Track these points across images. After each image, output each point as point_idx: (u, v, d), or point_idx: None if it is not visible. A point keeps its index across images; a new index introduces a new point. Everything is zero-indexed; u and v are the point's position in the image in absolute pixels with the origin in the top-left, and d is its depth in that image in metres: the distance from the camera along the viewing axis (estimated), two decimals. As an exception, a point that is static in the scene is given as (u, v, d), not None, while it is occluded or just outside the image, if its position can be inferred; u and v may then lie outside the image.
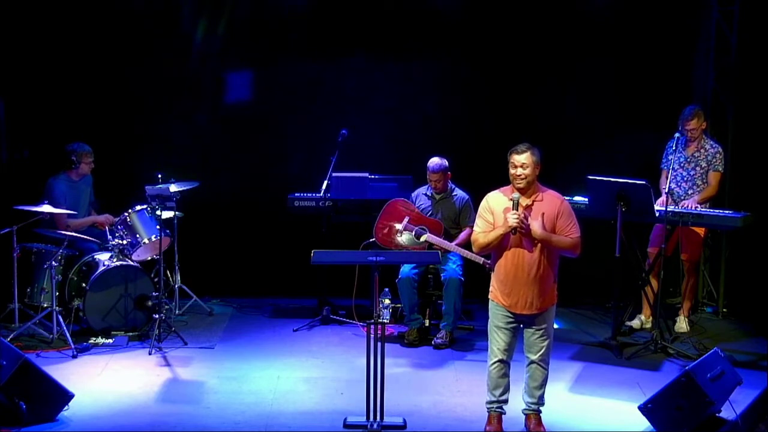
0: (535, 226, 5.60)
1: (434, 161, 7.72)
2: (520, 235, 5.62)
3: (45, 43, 8.41)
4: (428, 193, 7.85)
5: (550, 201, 5.69)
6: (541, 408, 5.93)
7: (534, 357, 5.87)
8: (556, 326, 8.21)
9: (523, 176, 5.63)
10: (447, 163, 7.78)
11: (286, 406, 6.24)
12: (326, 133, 8.23)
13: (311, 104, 8.85)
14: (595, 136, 8.62)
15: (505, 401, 5.94)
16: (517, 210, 5.59)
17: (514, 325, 5.84)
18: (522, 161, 5.63)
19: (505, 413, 5.95)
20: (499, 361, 5.87)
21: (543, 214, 5.64)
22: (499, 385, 5.90)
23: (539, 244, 5.63)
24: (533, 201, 5.69)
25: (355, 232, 8.02)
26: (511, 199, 5.65)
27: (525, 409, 5.95)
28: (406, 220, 7.64)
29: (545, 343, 5.87)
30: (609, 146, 8.47)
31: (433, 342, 7.51)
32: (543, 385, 5.90)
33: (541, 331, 5.84)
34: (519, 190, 5.67)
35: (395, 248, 7.58)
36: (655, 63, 8.67)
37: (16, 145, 8.48)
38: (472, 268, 7.72)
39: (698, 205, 7.57)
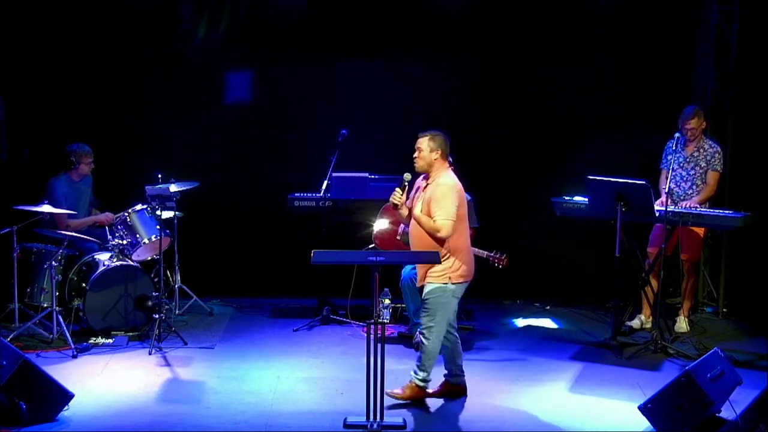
0: (417, 208, 6.12)
1: None
2: (408, 211, 6.20)
3: (45, 42, 8.42)
4: None
5: (434, 185, 6.10)
6: (412, 376, 6.21)
7: (420, 326, 6.27)
8: (555, 326, 8.28)
9: (416, 158, 6.19)
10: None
11: (286, 406, 6.24)
12: (326, 133, 8.23)
13: (311, 104, 8.84)
14: (595, 136, 8.61)
15: (454, 368, 6.37)
16: (403, 190, 6.14)
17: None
18: (418, 144, 6.21)
19: (455, 380, 6.39)
20: None
21: (427, 196, 6.10)
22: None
23: None
24: (427, 183, 6.17)
25: (355, 232, 8.03)
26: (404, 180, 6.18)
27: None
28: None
29: (425, 318, 6.15)
30: (609, 146, 8.47)
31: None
32: (419, 357, 6.22)
33: (425, 304, 6.15)
34: (419, 171, 6.21)
35: (397, 248, 7.58)
36: (655, 63, 8.68)
37: (16, 145, 8.47)
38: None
39: (698, 206, 7.57)
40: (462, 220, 6.15)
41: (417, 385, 6.19)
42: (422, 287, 6.22)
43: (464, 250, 6.19)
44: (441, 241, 6.04)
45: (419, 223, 6.09)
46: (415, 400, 6.20)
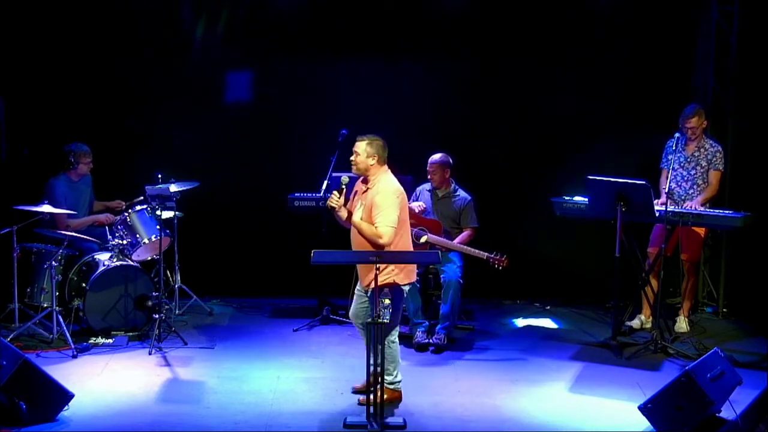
0: (357, 214, 6.13)
1: (434, 155, 7.76)
2: (347, 214, 6.23)
3: (45, 42, 8.41)
4: (429, 189, 7.88)
5: (374, 191, 6.11)
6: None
7: None
8: (555, 326, 8.27)
9: (353, 162, 6.20)
10: (448, 159, 7.79)
11: (286, 406, 6.24)
12: (326, 133, 8.23)
13: (311, 104, 8.84)
14: (595, 135, 8.61)
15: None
16: (341, 193, 6.19)
17: (359, 291, 6.32)
18: (355, 148, 6.22)
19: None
20: (356, 325, 6.44)
21: (367, 202, 6.11)
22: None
23: None
24: (367, 188, 6.18)
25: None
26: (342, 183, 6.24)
27: None
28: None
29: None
30: (609, 146, 8.46)
31: (429, 344, 7.47)
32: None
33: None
34: (356, 174, 6.24)
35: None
36: (655, 63, 8.68)
37: (16, 145, 8.47)
38: (473, 268, 7.73)
39: (701, 206, 7.57)
40: (403, 224, 6.17)
41: (388, 388, 6.14)
42: (369, 291, 6.14)
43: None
44: (382, 248, 6.04)
45: (360, 230, 6.09)
46: (391, 402, 6.16)
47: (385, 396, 6.07)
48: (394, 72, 8.80)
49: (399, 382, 6.30)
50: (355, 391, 6.35)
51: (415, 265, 6.31)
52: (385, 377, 6.11)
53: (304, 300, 8.58)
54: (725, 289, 8.65)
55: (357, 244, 6.18)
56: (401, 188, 6.23)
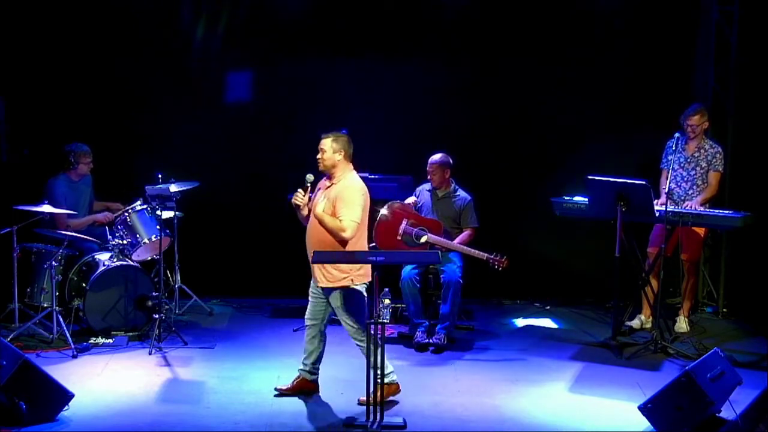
0: (320, 206, 6.07)
1: (434, 155, 7.77)
2: (309, 212, 6.19)
3: (45, 42, 8.41)
4: (429, 189, 7.88)
5: (341, 186, 6.10)
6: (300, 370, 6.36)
7: (349, 335, 6.24)
8: (555, 326, 8.28)
9: (320, 159, 6.20)
10: (448, 159, 7.78)
11: (286, 406, 6.23)
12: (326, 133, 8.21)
13: (311, 104, 8.84)
14: (595, 135, 8.61)
15: (310, 365, 6.38)
16: (306, 191, 6.17)
17: (315, 292, 6.30)
18: (321, 146, 6.20)
19: (311, 378, 6.41)
20: (307, 326, 6.35)
21: (332, 196, 6.10)
22: (306, 350, 6.37)
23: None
24: (332, 183, 6.17)
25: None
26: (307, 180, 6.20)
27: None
28: (404, 222, 7.65)
29: (347, 325, 6.18)
30: (609, 146, 8.46)
31: (429, 344, 7.47)
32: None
33: (337, 311, 6.20)
34: (323, 171, 6.21)
35: (397, 249, 7.57)
36: (656, 63, 8.68)
37: (16, 145, 8.47)
38: (473, 268, 7.73)
39: (700, 207, 7.57)
40: (363, 223, 6.16)
41: (385, 384, 6.06)
42: (327, 292, 6.17)
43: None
44: (343, 242, 6.03)
45: (322, 222, 6.03)
46: (391, 395, 6.19)
47: (386, 391, 6.08)
48: (394, 72, 8.80)
49: (392, 372, 6.27)
50: (360, 403, 6.17)
51: (369, 266, 6.18)
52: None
53: (304, 300, 8.52)
54: (725, 289, 8.65)
55: (314, 238, 6.13)
56: (366, 189, 6.22)
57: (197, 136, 8.75)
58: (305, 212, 6.25)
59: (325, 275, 6.13)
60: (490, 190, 8.54)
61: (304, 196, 6.20)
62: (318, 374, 6.43)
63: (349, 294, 6.14)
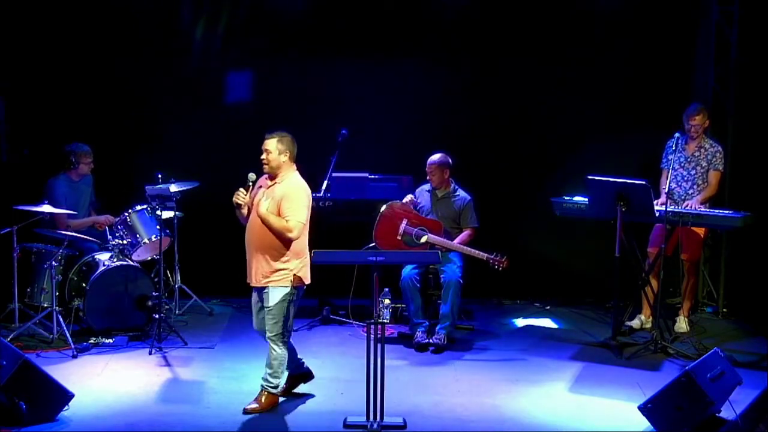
0: (263, 206, 5.99)
1: (433, 156, 7.77)
2: (251, 211, 6.10)
3: (45, 42, 8.41)
4: (429, 189, 7.88)
5: (285, 186, 6.05)
6: (265, 385, 6.12)
7: (266, 333, 6.12)
8: (555, 326, 8.28)
9: (265, 160, 6.11)
10: (447, 159, 7.78)
11: (286, 406, 6.23)
12: (326, 133, 8.23)
13: (311, 104, 8.84)
14: (595, 135, 8.61)
15: (291, 366, 6.32)
16: (248, 190, 6.09)
17: (257, 301, 6.21)
18: (265, 146, 6.12)
19: (298, 371, 6.39)
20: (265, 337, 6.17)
21: (277, 196, 6.02)
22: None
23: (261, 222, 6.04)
24: (275, 183, 6.09)
25: (355, 232, 8.02)
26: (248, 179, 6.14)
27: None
28: (404, 222, 7.65)
29: (274, 327, 6.06)
30: (609, 146, 8.46)
31: (429, 344, 7.47)
32: (269, 364, 6.11)
33: (267, 309, 6.08)
34: (268, 173, 6.12)
35: (397, 248, 7.57)
36: (656, 63, 8.68)
37: (16, 145, 8.47)
38: (473, 268, 7.73)
39: (700, 206, 7.57)
40: (307, 224, 6.12)
41: (271, 393, 6.12)
42: (260, 291, 6.11)
43: (306, 253, 6.13)
44: (288, 243, 5.99)
45: (266, 222, 5.96)
46: (272, 407, 6.13)
47: (267, 402, 6.08)
48: (394, 72, 8.80)
49: (280, 383, 6.20)
50: (249, 411, 6.11)
51: (309, 268, 6.14)
52: (270, 379, 6.10)
53: (304, 300, 8.52)
54: (725, 289, 8.65)
55: (255, 237, 6.03)
56: (309, 190, 6.17)
57: (197, 136, 8.75)
58: (245, 211, 6.16)
59: (262, 273, 6.02)
60: (490, 190, 8.54)
61: (245, 195, 6.11)
62: (304, 362, 6.40)
63: (286, 295, 6.04)
